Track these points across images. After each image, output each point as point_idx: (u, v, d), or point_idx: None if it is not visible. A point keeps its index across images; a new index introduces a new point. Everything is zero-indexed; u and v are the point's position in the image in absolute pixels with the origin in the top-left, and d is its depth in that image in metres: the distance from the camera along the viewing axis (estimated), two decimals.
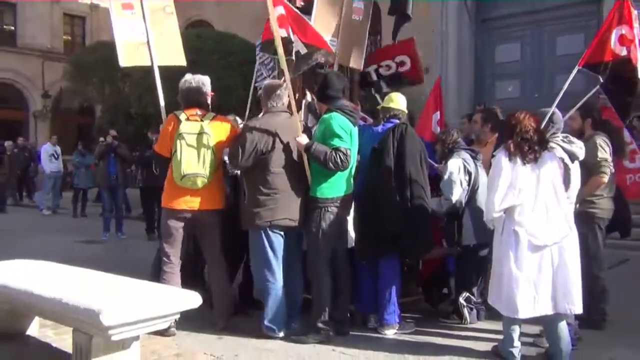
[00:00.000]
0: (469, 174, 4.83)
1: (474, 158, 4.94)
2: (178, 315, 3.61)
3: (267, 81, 5.16)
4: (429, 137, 6.29)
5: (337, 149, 4.16)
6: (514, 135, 3.84)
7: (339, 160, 4.15)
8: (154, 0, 5.25)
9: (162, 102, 4.98)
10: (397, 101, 4.69)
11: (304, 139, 4.28)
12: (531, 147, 3.79)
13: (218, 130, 4.39)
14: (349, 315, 4.60)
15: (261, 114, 4.57)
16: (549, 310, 3.72)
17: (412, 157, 4.42)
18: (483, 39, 13.10)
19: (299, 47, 4.65)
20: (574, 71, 4.84)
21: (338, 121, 4.26)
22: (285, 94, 4.45)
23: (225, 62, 12.44)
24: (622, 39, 4.71)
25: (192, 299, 3.54)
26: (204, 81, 4.54)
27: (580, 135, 4.71)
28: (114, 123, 13.16)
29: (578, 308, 3.74)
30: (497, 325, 4.26)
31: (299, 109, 5.09)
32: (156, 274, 4.54)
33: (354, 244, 4.62)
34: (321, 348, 4.16)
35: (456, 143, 5.02)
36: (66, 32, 26.21)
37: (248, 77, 6.31)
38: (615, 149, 4.79)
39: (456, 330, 4.65)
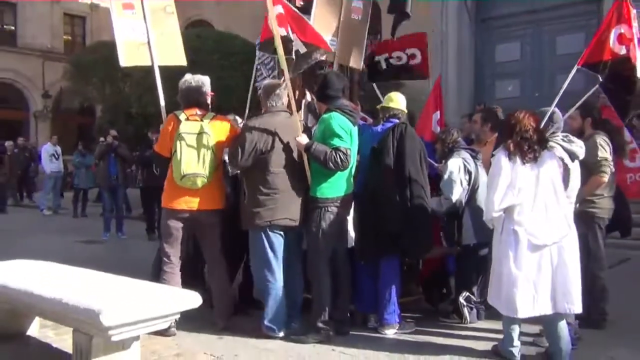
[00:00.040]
0: (469, 173, 4.83)
1: (474, 157, 4.94)
2: (178, 315, 3.61)
3: (266, 81, 5.16)
4: (429, 137, 6.29)
5: (337, 149, 4.16)
6: (514, 135, 3.84)
7: (339, 160, 4.15)
8: (155, 0, 5.25)
9: (162, 102, 4.98)
10: (397, 101, 4.69)
11: (304, 139, 4.28)
12: (531, 147, 3.79)
13: (218, 130, 4.40)
14: (349, 315, 4.60)
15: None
16: (548, 310, 3.72)
17: (411, 156, 4.42)
18: (483, 39, 13.10)
19: (298, 46, 4.65)
20: (573, 70, 4.84)
21: (338, 121, 4.26)
22: (285, 94, 4.45)
23: (225, 62, 12.45)
24: (621, 38, 4.71)
25: (192, 299, 3.54)
26: (204, 81, 4.54)
27: (580, 134, 4.71)
28: (114, 123, 13.17)
29: (577, 308, 3.74)
30: (497, 325, 4.26)
31: (298, 108, 5.09)
32: (156, 274, 4.54)
33: (353, 244, 4.62)
34: (321, 348, 4.16)
35: (456, 142, 5.02)
36: (66, 32, 26.24)
37: (248, 77, 6.31)
38: (615, 148, 4.79)
39: (456, 329, 4.65)
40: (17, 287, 3.73)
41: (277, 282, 4.28)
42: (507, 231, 3.79)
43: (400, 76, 6.89)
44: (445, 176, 4.77)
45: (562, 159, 3.96)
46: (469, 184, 4.82)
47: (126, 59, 5.11)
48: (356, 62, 5.99)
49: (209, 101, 4.57)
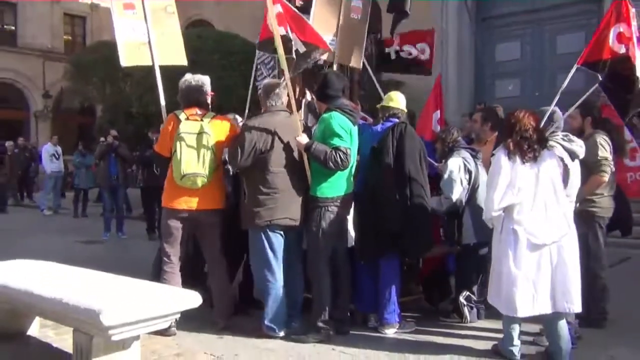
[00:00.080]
0: (469, 172, 4.83)
1: (474, 157, 4.94)
2: (178, 315, 3.61)
3: (266, 80, 5.16)
4: (429, 136, 6.29)
5: (337, 149, 4.16)
6: (514, 134, 3.84)
7: (339, 160, 4.15)
8: (155, 0, 5.25)
9: (162, 102, 4.98)
10: (397, 100, 4.69)
11: (304, 139, 4.28)
12: (530, 146, 3.79)
13: (218, 129, 4.40)
14: (349, 314, 4.60)
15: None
16: (548, 309, 3.72)
17: (411, 156, 4.42)
18: (483, 38, 13.10)
19: (297, 45, 4.65)
20: (573, 69, 4.84)
21: (338, 120, 4.26)
22: (284, 93, 4.45)
23: (225, 62, 12.44)
24: (620, 37, 4.71)
25: (193, 299, 3.54)
26: (204, 81, 4.54)
27: (580, 133, 4.70)
28: (114, 123, 13.16)
29: (577, 307, 3.74)
30: (497, 324, 4.26)
31: (298, 108, 5.09)
32: (157, 274, 4.54)
33: (354, 243, 4.62)
34: (321, 347, 4.16)
35: (456, 142, 5.02)
36: (66, 32, 26.23)
37: (248, 76, 6.32)
38: (615, 147, 4.79)
39: (456, 329, 4.65)
40: (18, 287, 3.73)
41: (277, 282, 4.27)
42: (506, 230, 3.79)
43: (409, 69, 7.01)
44: (446, 175, 4.77)
45: (561, 158, 3.96)
46: (469, 184, 4.82)
47: (127, 59, 5.11)
48: (356, 61, 5.99)
49: (209, 101, 4.57)
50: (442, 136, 5.17)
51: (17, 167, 15.85)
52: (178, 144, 4.24)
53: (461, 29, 13.03)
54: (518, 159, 3.77)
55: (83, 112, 23.92)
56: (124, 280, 3.82)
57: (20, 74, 24.42)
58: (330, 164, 4.15)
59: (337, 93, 4.43)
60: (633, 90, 4.72)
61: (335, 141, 4.19)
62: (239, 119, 5.29)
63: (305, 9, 5.52)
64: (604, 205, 4.71)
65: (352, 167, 4.40)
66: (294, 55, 4.63)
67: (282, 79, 4.63)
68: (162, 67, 5.08)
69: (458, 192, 4.75)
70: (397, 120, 4.58)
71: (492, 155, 4.07)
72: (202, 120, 4.35)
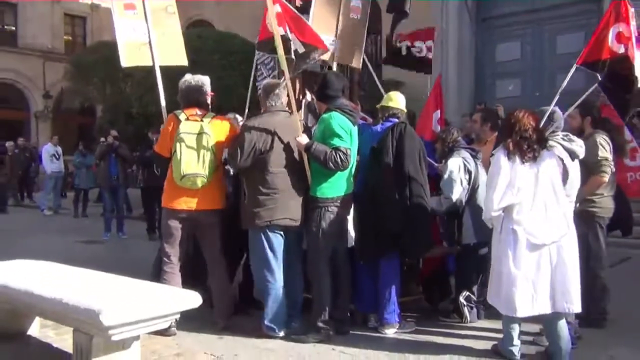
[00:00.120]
0: (469, 172, 4.83)
1: (474, 157, 4.94)
2: (178, 315, 3.62)
3: (266, 80, 5.16)
4: (430, 136, 6.29)
5: (337, 149, 4.16)
6: (513, 134, 3.83)
7: (339, 160, 4.15)
8: (156, 0, 5.25)
9: (163, 102, 4.98)
10: (396, 100, 4.69)
11: (304, 139, 4.28)
12: (530, 146, 3.79)
13: (218, 130, 4.40)
14: (349, 314, 4.60)
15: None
16: (547, 309, 3.72)
17: (411, 156, 4.42)
18: (483, 38, 13.10)
19: (296, 46, 4.66)
20: (572, 69, 4.84)
21: (338, 121, 4.26)
22: (284, 93, 4.46)
23: (225, 62, 12.45)
24: (619, 37, 4.71)
25: (192, 299, 3.55)
26: (204, 81, 4.54)
27: (580, 133, 4.70)
28: (114, 123, 13.17)
29: (577, 307, 3.73)
30: (497, 324, 4.27)
31: (298, 108, 5.09)
32: (157, 274, 4.54)
33: (353, 244, 4.62)
34: (321, 347, 4.17)
35: (456, 142, 5.02)
36: (67, 32, 26.25)
37: (248, 76, 6.32)
38: (615, 147, 4.79)
39: (456, 329, 4.65)
40: (18, 287, 3.73)
41: (277, 282, 4.28)
42: (506, 230, 3.79)
43: (414, 66, 7.10)
44: (446, 175, 4.77)
45: (561, 158, 3.96)
46: (469, 184, 4.82)
47: (127, 59, 5.11)
48: (356, 61, 5.99)
49: (209, 101, 4.57)
50: (442, 136, 5.17)
51: (17, 168, 15.86)
52: (178, 144, 4.24)
53: (461, 29, 13.04)
54: (517, 159, 3.77)
55: (83, 112, 23.94)
56: (124, 281, 3.82)
57: (20, 74, 24.44)
58: (331, 164, 4.15)
59: (336, 93, 4.43)
60: (632, 89, 4.72)
61: (335, 141, 4.19)
62: (239, 118, 5.30)
63: (305, 9, 5.52)
64: (604, 205, 4.71)
65: (352, 167, 4.41)
66: (292, 56, 4.63)
67: (282, 79, 4.63)
68: (162, 67, 5.09)
69: (458, 192, 4.75)
70: (396, 120, 4.58)
71: (492, 155, 4.07)
72: (202, 120, 4.35)
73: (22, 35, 24.55)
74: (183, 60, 5.29)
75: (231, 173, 4.94)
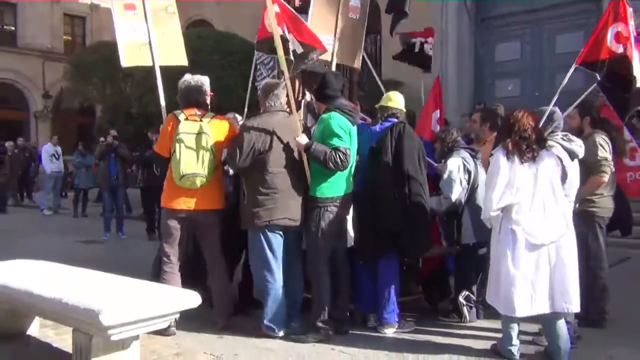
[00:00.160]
0: (469, 172, 4.83)
1: (474, 157, 4.94)
2: (178, 315, 3.62)
3: (265, 80, 5.16)
4: (429, 136, 6.30)
5: (336, 149, 4.16)
6: (512, 134, 3.84)
7: (338, 160, 4.15)
8: (156, 0, 5.25)
9: (162, 102, 4.98)
10: (395, 100, 4.69)
11: (303, 139, 4.28)
12: (529, 146, 3.79)
13: (217, 130, 4.40)
14: (348, 314, 4.60)
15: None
16: (546, 309, 3.72)
17: (410, 155, 4.42)
18: (483, 38, 13.10)
19: (295, 46, 4.66)
20: (571, 69, 4.85)
21: (337, 121, 4.26)
22: (283, 94, 4.45)
23: (225, 62, 12.45)
24: (618, 37, 4.71)
25: (192, 299, 3.55)
26: (203, 81, 4.55)
27: (579, 133, 4.70)
28: (114, 123, 13.16)
29: (575, 307, 3.74)
30: (497, 324, 4.27)
31: (298, 108, 5.09)
32: (157, 274, 4.54)
33: (353, 243, 4.62)
34: (321, 347, 4.17)
35: (456, 142, 5.03)
36: (66, 32, 26.23)
37: (248, 76, 6.32)
38: (614, 147, 4.79)
39: (455, 328, 4.65)
40: (17, 287, 3.73)
41: (276, 282, 4.28)
42: (505, 230, 3.79)
43: (422, 64, 7.20)
44: (445, 175, 4.77)
45: (560, 158, 3.96)
46: (468, 183, 4.83)
47: (127, 59, 5.12)
48: (355, 61, 5.99)
49: (208, 101, 4.57)
50: (441, 136, 5.18)
51: (17, 168, 15.85)
52: (177, 144, 4.24)
53: (461, 29, 13.04)
54: (516, 159, 3.77)
55: (83, 112, 23.94)
56: (124, 280, 3.83)
57: (20, 74, 24.43)
58: (330, 164, 4.15)
59: (335, 93, 4.43)
60: (631, 89, 4.73)
61: (335, 141, 4.19)
62: (239, 118, 5.30)
63: (304, 9, 5.52)
64: (604, 205, 4.71)
65: (351, 167, 4.41)
66: (291, 56, 4.63)
67: (282, 79, 4.63)
68: (162, 68, 5.09)
69: (457, 192, 4.76)
70: (395, 120, 4.58)
71: (491, 155, 4.07)
72: (201, 120, 4.35)
73: (22, 35, 24.54)
74: (183, 61, 5.29)
75: (230, 173, 4.94)
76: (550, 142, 4.00)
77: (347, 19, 5.79)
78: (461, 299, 4.80)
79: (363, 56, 6.23)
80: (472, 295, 4.81)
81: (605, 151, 4.58)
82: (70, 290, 3.47)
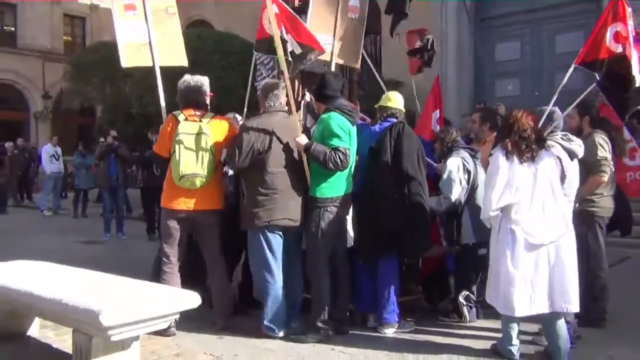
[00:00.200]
0: (468, 172, 4.83)
1: (473, 157, 4.94)
2: (178, 315, 3.62)
3: (265, 80, 5.16)
4: (429, 136, 6.29)
5: (336, 149, 4.16)
6: (512, 134, 3.84)
7: (338, 160, 4.15)
8: (157, 0, 5.25)
9: (162, 103, 4.98)
10: (395, 100, 4.69)
11: (303, 139, 4.28)
12: (528, 146, 3.79)
13: (216, 130, 4.40)
14: (348, 314, 4.60)
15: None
16: (545, 309, 3.72)
17: (409, 155, 4.42)
18: (482, 38, 13.10)
19: (293, 46, 4.66)
20: (570, 69, 4.85)
21: (337, 121, 4.26)
22: (283, 94, 4.45)
23: (225, 62, 12.45)
24: (617, 36, 4.72)
25: (192, 299, 3.55)
26: (203, 81, 4.55)
27: (578, 133, 4.70)
28: (113, 123, 13.16)
29: (575, 307, 3.74)
30: (497, 324, 4.27)
31: (297, 108, 5.09)
32: (156, 275, 4.54)
33: (352, 244, 4.62)
34: (320, 347, 4.17)
35: (455, 142, 5.03)
36: (66, 33, 26.24)
37: (248, 77, 6.32)
38: (614, 146, 4.79)
39: (455, 328, 4.65)
40: (17, 287, 3.74)
41: (276, 283, 4.28)
42: (504, 230, 3.80)
43: (429, 63, 7.30)
44: (445, 175, 4.77)
45: (559, 158, 3.96)
46: (468, 183, 4.83)
47: (127, 60, 5.12)
48: (354, 61, 5.99)
49: (208, 101, 4.58)
50: (441, 136, 5.18)
51: (16, 168, 15.85)
52: (177, 144, 4.24)
53: (460, 29, 13.05)
54: (516, 159, 3.78)
55: (83, 112, 23.89)
56: (124, 281, 3.83)
57: (20, 75, 24.43)
58: (330, 164, 4.15)
59: (335, 93, 4.43)
60: (629, 89, 4.73)
61: (335, 142, 4.19)
62: (239, 118, 5.30)
63: (303, 9, 5.52)
64: (604, 205, 4.71)
65: (351, 167, 4.41)
66: (289, 57, 4.64)
67: (282, 79, 4.63)
68: (162, 68, 5.09)
69: (457, 192, 4.76)
70: (395, 120, 4.58)
71: (491, 155, 4.07)
72: (200, 120, 4.35)
73: (22, 35, 24.54)
74: (183, 61, 5.29)
75: (229, 173, 4.94)
76: (549, 142, 4.00)
77: (346, 18, 5.78)
78: (461, 299, 4.80)
79: (363, 55, 6.22)
80: (472, 295, 4.81)
81: (604, 151, 4.58)
82: (70, 291, 3.47)
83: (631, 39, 4.70)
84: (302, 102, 5.47)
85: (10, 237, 9.75)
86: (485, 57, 13.09)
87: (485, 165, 4.49)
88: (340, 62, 5.83)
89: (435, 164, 5.25)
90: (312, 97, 4.89)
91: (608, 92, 4.93)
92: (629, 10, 4.78)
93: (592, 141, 4.57)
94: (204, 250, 4.63)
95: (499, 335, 4.06)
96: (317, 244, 4.29)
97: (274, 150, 4.25)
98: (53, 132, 21.24)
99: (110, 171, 10.14)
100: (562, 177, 3.93)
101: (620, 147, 5.13)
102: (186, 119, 4.35)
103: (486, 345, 4.16)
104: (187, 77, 4.55)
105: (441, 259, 5.26)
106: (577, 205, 4.31)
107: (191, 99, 4.47)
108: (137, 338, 3.47)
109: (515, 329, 3.89)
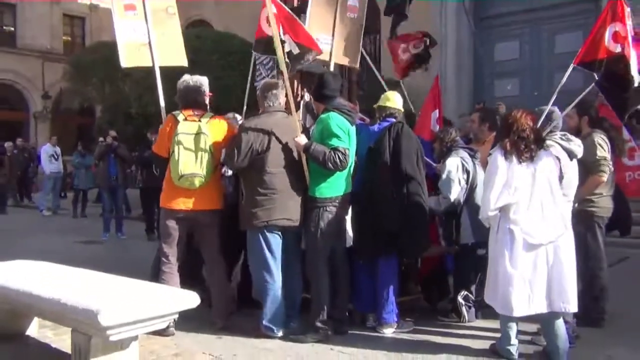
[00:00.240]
0: (467, 172, 4.83)
1: (472, 157, 4.95)
2: (177, 315, 3.63)
3: (264, 80, 5.16)
4: (428, 136, 6.29)
5: (335, 149, 4.16)
6: (511, 134, 3.84)
7: (337, 160, 4.15)
8: (157, 0, 5.25)
9: (162, 103, 4.98)
10: (394, 100, 4.70)
11: (302, 139, 4.28)
12: (527, 146, 3.80)
13: (216, 130, 4.40)
14: (347, 314, 4.60)
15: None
16: (543, 309, 3.72)
17: (408, 155, 4.42)
18: (482, 38, 13.10)
19: (291, 47, 4.66)
20: (569, 69, 4.85)
21: (336, 121, 4.26)
22: (282, 94, 4.46)
23: (224, 62, 12.44)
24: (615, 36, 4.72)
25: (191, 299, 3.55)
26: (202, 81, 4.55)
27: (577, 133, 4.71)
28: (113, 123, 13.16)
29: (573, 307, 3.74)
30: (495, 324, 4.26)
31: (297, 108, 5.09)
32: (156, 275, 4.54)
33: (352, 243, 4.62)
34: (320, 347, 4.17)
35: (454, 142, 5.03)
36: (66, 33, 26.20)
37: (246, 76, 6.32)
38: (613, 146, 4.79)
39: (454, 328, 4.65)
40: (17, 287, 3.73)
41: (275, 283, 4.28)
42: (503, 230, 3.80)
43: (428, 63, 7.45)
44: (444, 175, 4.77)
45: (558, 158, 3.96)
46: (467, 183, 4.83)
47: (127, 60, 5.11)
48: (353, 61, 5.99)
49: (207, 101, 4.58)
50: (440, 136, 5.18)
51: (16, 168, 15.84)
52: (176, 144, 4.24)
53: (460, 29, 13.05)
54: (514, 159, 3.78)
55: (82, 112, 23.89)
56: (123, 281, 3.83)
57: (19, 75, 24.41)
58: (330, 164, 4.15)
59: (333, 93, 4.43)
60: (628, 89, 4.73)
61: (334, 142, 4.20)
62: (239, 118, 5.29)
63: (302, 9, 5.52)
64: (603, 205, 4.71)
65: (350, 167, 4.41)
66: (286, 58, 4.64)
67: (281, 79, 4.63)
68: (161, 68, 5.09)
69: (456, 192, 4.76)
70: (394, 120, 4.59)
71: (490, 155, 4.07)
72: (200, 120, 4.35)
73: (21, 35, 24.52)
74: (183, 61, 5.29)
75: (227, 174, 4.94)
76: (548, 142, 4.01)
77: (345, 18, 5.78)
78: (460, 298, 4.80)
79: (363, 55, 6.22)
80: (470, 295, 4.81)
81: (604, 150, 4.59)
82: (69, 291, 3.47)
83: (630, 38, 4.70)
84: (301, 102, 5.47)
85: (9, 237, 9.75)
86: (484, 56, 13.10)
87: (484, 165, 4.49)
88: (340, 62, 5.83)
89: (434, 164, 5.25)
90: (311, 97, 4.89)
91: (607, 92, 4.94)
92: (627, 10, 4.79)
93: (591, 141, 4.57)
94: (203, 250, 4.63)
95: (498, 335, 4.07)
96: (317, 243, 4.30)
97: (273, 150, 4.25)
98: (52, 132, 21.25)
99: (109, 171, 10.14)
100: (560, 177, 3.93)
101: (619, 147, 5.13)
102: (185, 119, 4.35)
103: (485, 345, 4.16)
104: (187, 77, 4.55)
105: (440, 258, 5.26)
106: (576, 205, 4.31)
107: (190, 99, 4.47)
108: (135, 338, 3.47)
109: (513, 328, 3.89)
